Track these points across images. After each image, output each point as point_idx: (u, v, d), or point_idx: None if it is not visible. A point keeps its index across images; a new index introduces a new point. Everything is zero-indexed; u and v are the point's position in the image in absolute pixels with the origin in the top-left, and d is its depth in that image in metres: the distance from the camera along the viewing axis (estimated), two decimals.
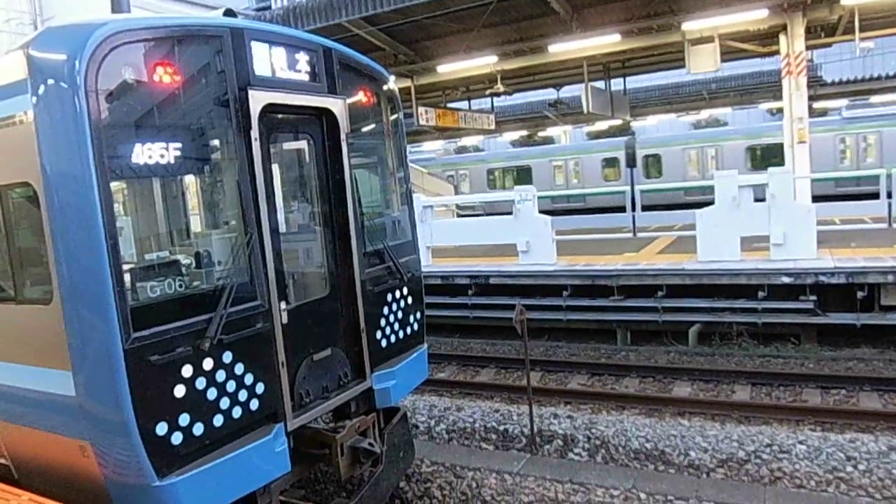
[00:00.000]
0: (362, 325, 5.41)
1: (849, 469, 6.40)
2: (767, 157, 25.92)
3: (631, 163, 28.13)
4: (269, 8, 22.33)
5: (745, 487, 6.32)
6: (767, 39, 17.79)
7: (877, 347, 11.06)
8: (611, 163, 30.44)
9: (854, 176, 22.04)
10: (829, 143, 25.66)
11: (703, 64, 16.16)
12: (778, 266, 11.36)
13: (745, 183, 12.10)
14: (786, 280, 11.19)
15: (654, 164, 29.68)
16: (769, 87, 28.73)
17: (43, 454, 4.34)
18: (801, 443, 6.99)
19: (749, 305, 11.46)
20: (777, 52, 17.07)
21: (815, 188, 15.89)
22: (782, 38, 15.95)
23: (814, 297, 11.08)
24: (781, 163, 15.81)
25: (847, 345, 11.22)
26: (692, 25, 15.72)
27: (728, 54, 17.39)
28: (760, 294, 11.38)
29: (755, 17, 15.25)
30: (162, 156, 4.00)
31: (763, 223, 11.70)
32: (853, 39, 15.81)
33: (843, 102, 32.14)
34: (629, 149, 29.71)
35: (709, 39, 15.74)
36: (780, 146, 16.03)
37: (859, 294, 10.79)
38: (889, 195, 13.47)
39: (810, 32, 16.68)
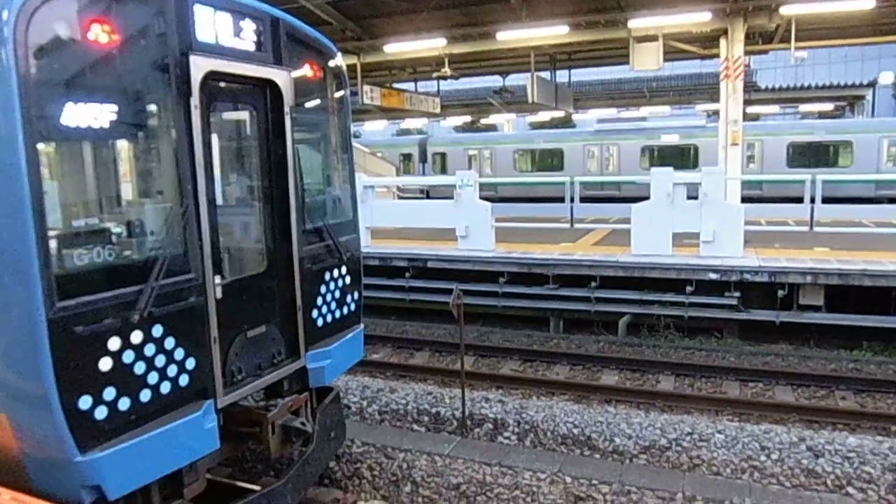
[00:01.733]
0: (299, 302, 5.32)
1: (762, 458, 6.71)
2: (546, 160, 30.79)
3: (423, 158, 33.75)
4: None
5: (666, 473, 6.55)
6: (709, 42, 18.35)
7: (793, 344, 11.63)
8: (408, 157, 35.11)
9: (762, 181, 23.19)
10: (579, 152, 29.85)
11: (647, 62, 16.55)
12: (706, 262, 11.77)
13: (680, 180, 12.45)
14: (713, 276, 11.61)
15: (440, 161, 33.95)
16: (706, 88, 29.66)
17: None
18: (719, 432, 7.28)
19: (677, 299, 11.85)
20: (717, 55, 17.62)
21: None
22: (723, 41, 16.48)
23: (738, 294, 11.54)
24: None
25: (766, 340, 11.75)
26: (638, 23, 16.06)
27: (670, 54, 17.85)
28: (688, 289, 11.78)
29: (699, 20, 15.71)
30: (95, 118, 3.81)
31: (695, 220, 12.09)
32: (789, 48, 16.45)
33: (774, 108, 33.52)
34: (421, 147, 34.95)
35: (653, 38, 16.12)
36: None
37: (780, 293, 11.31)
38: (812, 200, 14.08)
39: (749, 38, 17.27)
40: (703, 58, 19.98)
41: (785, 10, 15.35)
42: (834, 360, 10.63)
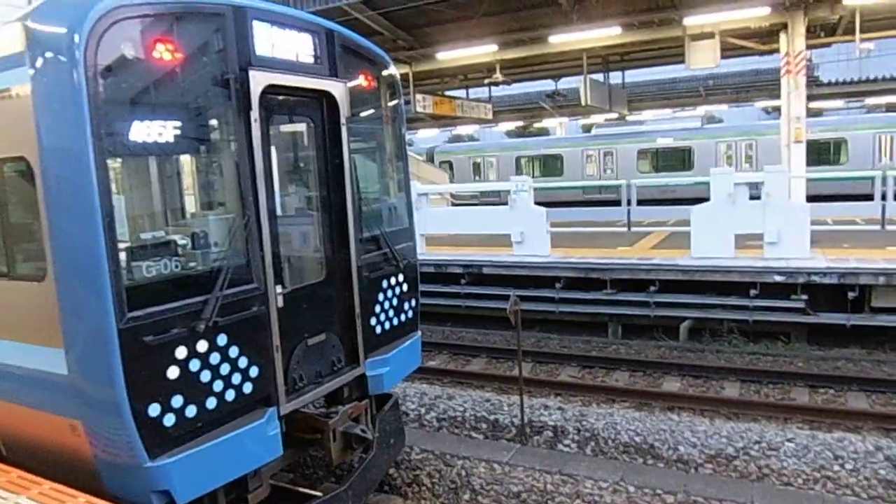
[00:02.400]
0: (357, 310, 5.38)
1: (836, 468, 6.45)
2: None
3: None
4: None
5: (733, 483, 6.35)
6: (767, 37, 17.80)
7: (865, 348, 11.13)
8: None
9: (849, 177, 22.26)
10: (578, 157, 30.73)
11: (703, 59, 16.18)
12: (771, 264, 11.39)
13: (742, 180, 12.10)
14: (778, 279, 11.23)
15: (447, 169, 33.82)
16: (765, 85, 28.79)
17: (33, 432, 4.30)
18: (789, 440, 7.04)
19: (740, 303, 11.50)
20: (776, 51, 17.09)
21: None
22: (783, 36, 15.97)
23: (805, 297, 11.12)
24: None
25: (836, 345, 11.28)
26: (694, 21, 15.71)
27: (727, 51, 17.40)
28: (752, 292, 11.41)
29: (757, 14, 15.27)
30: (160, 134, 3.94)
31: (758, 221, 11.72)
32: (853, 40, 15.83)
33: (839, 104, 32.30)
34: (429, 155, 35.16)
35: (709, 35, 15.74)
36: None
37: (850, 294, 10.84)
38: (883, 197, 13.48)
39: (810, 32, 16.69)
40: (761, 53, 19.39)
41: (848, 1, 14.78)
42: None
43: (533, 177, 29.82)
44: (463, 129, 42.88)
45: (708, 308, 11.77)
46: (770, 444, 6.96)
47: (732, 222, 11.92)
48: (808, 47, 17.45)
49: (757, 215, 11.73)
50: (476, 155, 35.04)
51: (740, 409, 8.90)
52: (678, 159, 28.13)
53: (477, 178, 34.08)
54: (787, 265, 11.24)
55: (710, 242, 12.06)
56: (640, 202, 19.26)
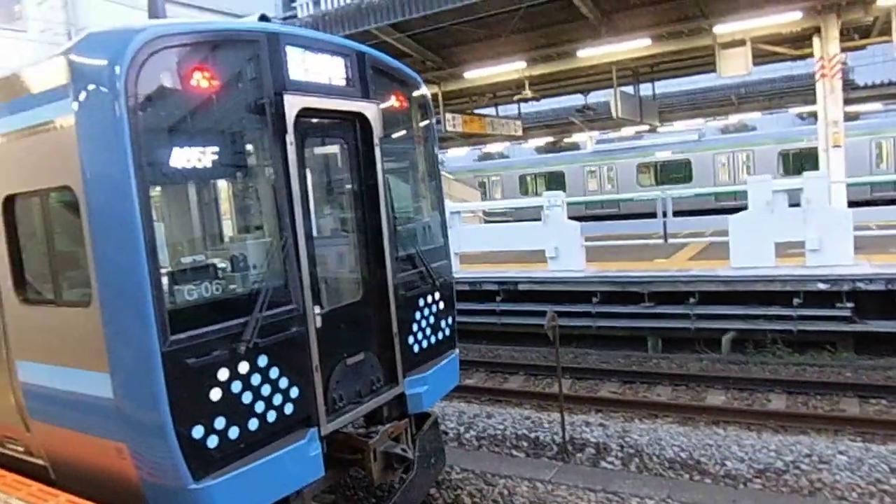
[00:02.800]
0: (395, 329, 5.38)
1: (893, 481, 6.23)
2: None
3: None
4: (295, 16, 22.54)
5: (785, 499, 6.19)
6: (800, 42, 17.52)
7: None
8: None
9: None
10: (579, 173, 31.60)
11: (735, 67, 15.97)
12: (814, 272, 11.12)
13: (780, 188, 11.87)
14: (822, 287, 10.95)
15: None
16: (799, 90, 28.30)
17: (80, 455, 4.37)
18: (841, 453, 6.82)
19: (784, 312, 11.24)
20: (809, 55, 16.80)
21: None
22: (816, 40, 15.69)
23: (851, 304, 10.82)
24: None
25: (886, 353, 10.92)
26: (724, 29, 15.54)
27: (759, 58, 17.14)
28: (795, 301, 11.15)
29: (788, 20, 15.05)
30: (199, 160, 4.02)
31: (798, 228, 11.47)
32: (889, 41, 15.49)
33: (876, 106, 31.57)
34: None
35: (740, 43, 15.54)
36: None
37: None
38: None
39: (844, 34, 16.38)
40: (794, 59, 19.08)
41: (882, 2, 14.48)
42: None
43: (537, 193, 30.21)
44: (493, 147, 42.96)
45: (750, 319, 11.54)
46: (821, 457, 6.75)
47: (772, 230, 11.67)
48: (843, 50, 17.11)
49: (797, 222, 11.47)
50: (480, 174, 35.57)
51: (788, 421, 8.67)
52: (677, 172, 28.73)
53: (450, 198, 34.50)
54: (831, 272, 10.96)
55: (750, 251, 11.82)
56: (642, 216, 19.34)
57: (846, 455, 6.76)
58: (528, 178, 33.38)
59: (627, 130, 32.94)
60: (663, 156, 29.69)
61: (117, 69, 3.62)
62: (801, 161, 25.17)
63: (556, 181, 31.94)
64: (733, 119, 35.04)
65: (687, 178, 28.33)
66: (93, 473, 4.28)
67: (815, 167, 23.17)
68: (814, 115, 20.59)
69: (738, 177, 26.74)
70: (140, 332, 3.65)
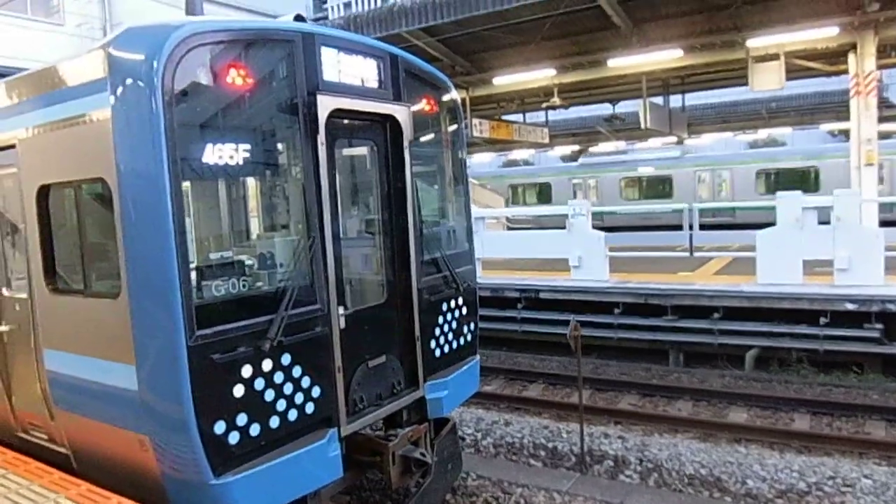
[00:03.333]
0: (417, 333, 5.37)
1: None
2: None
3: None
4: (326, 18, 22.70)
5: None
6: (835, 58, 17.27)
7: None
8: None
9: None
10: (566, 185, 32.33)
11: (767, 82, 15.78)
12: (842, 291, 10.92)
13: (810, 205, 11.69)
14: (850, 307, 10.75)
15: None
16: (832, 107, 27.93)
17: (102, 446, 4.41)
18: (866, 477, 6.69)
19: (810, 331, 11.02)
20: (844, 72, 16.56)
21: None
22: (851, 56, 15.45)
23: (880, 326, 10.59)
24: None
25: None
26: (757, 42, 15.36)
27: (792, 72, 16.93)
28: (822, 320, 10.94)
29: (824, 35, 14.84)
30: (231, 157, 4.05)
31: (827, 246, 11.27)
32: None
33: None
34: None
35: (774, 57, 15.35)
36: None
37: None
38: None
39: (881, 52, 16.12)
40: (828, 75, 18.83)
41: None
42: None
43: (526, 203, 30.45)
44: (518, 154, 42.89)
45: (775, 336, 11.34)
46: (845, 479, 6.62)
47: (800, 247, 11.49)
48: (879, 68, 16.84)
49: (826, 240, 11.28)
50: (478, 181, 35.49)
51: (812, 442, 8.49)
52: (659, 187, 29.53)
53: (475, 203, 34.91)
54: (860, 292, 10.75)
55: (777, 268, 11.64)
56: (619, 228, 19.47)
57: (871, 479, 6.63)
58: (519, 189, 34.37)
59: (606, 146, 34.35)
60: (646, 171, 30.73)
61: (155, 64, 3.66)
62: (777, 180, 26.48)
63: (543, 192, 33.09)
64: (762, 133, 34.66)
65: (668, 193, 29.15)
66: (114, 464, 4.32)
67: (789, 187, 23.90)
68: (844, 132, 20.30)
69: (717, 194, 28.01)
70: (167, 326, 3.68)
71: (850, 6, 14.65)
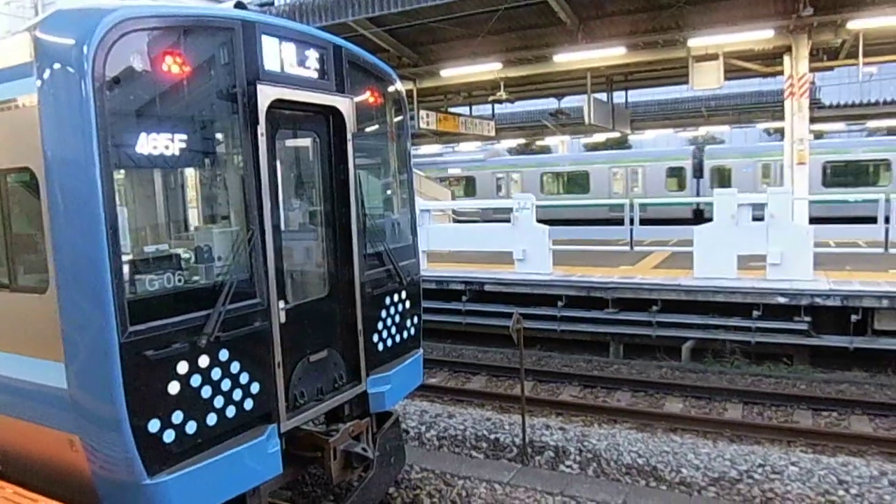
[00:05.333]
0: (360, 327, 5.33)
1: (840, 493, 6.37)
2: None
3: None
4: (272, 3, 22.24)
5: None
6: (771, 60, 17.88)
7: (869, 371, 11.05)
8: None
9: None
10: (489, 179, 33.60)
11: (707, 81, 16.22)
12: (774, 286, 11.35)
13: (745, 201, 12.09)
14: (781, 300, 11.18)
15: None
16: (768, 106, 28.94)
17: (30, 447, 4.25)
18: (793, 464, 6.96)
19: (743, 324, 11.45)
20: (779, 73, 17.15)
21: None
22: (786, 59, 16.02)
23: (808, 319, 11.07)
24: None
25: (839, 367, 11.20)
26: (698, 42, 15.77)
27: (731, 72, 17.46)
28: (755, 313, 11.36)
29: (761, 37, 15.34)
30: (167, 146, 3.93)
31: (761, 242, 11.69)
32: (856, 64, 15.90)
33: (840, 126, 32.43)
34: None
35: (713, 57, 15.79)
36: None
37: (853, 317, 10.79)
38: (887, 220, 13.47)
39: (814, 55, 16.75)
40: (764, 75, 19.48)
41: (852, 25, 14.84)
42: None
43: (454, 197, 31.32)
44: (466, 146, 43.06)
45: (710, 329, 11.72)
46: (774, 467, 6.88)
47: (735, 243, 11.89)
48: (811, 70, 17.50)
49: (760, 236, 11.70)
50: (422, 174, 36.37)
51: (743, 431, 8.83)
52: (577, 183, 31.37)
53: (422, 196, 35.87)
54: (791, 287, 11.20)
55: (713, 263, 12.03)
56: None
57: (798, 466, 6.90)
58: (450, 181, 35.24)
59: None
60: (566, 167, 32.67)
61: (85, 49, 3.51)
62: (683, 175, 28.96)
63: (469, 185, 34.27)
64: (702, 131, 35.76)
65: (586, 188, 30.87)
66: (42, 466, 4.16)
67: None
68: (780, 130, 21.17)
69: (631, 189, 29.54)
70: (98, 322, 3.55)
71: (786, 10, 15.18)
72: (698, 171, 28.73)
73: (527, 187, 31.90)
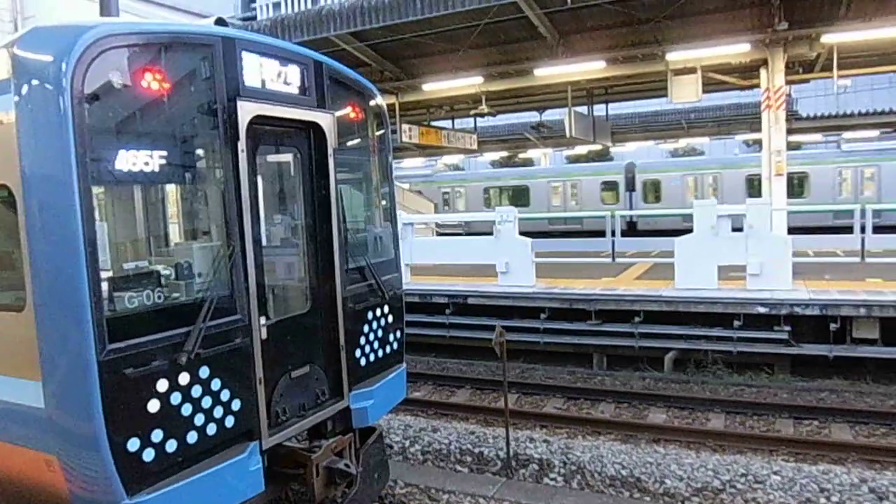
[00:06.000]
0: (342, 342, 5.32)
1: (822, 501, 6.42)
2: None
3: None
4: (254, 18, 22.27)
5: None
6: (748, 73, 18.15)
7: (848, 379, 11.18)
8: None
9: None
10: (435, 194, 34.78)
11: (685, 94, 16.44)
12: (754, 296, 11.46)
13: (725, 212, 12.22)
14: (761, 310, 11.29)
15: None
16: (746, 118, 29.35)
17: (6, 467, 4.18)
18: (775, 473, 7.00)
19: (724, 334, 11.54)
20: (757, 86, 17.41)
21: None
22: (763, 72, 16.28)
23: (788, 328, 11.18)
24: None
25: (819, 376, 11.32)
26: (676, 56, 15.98)
27: (709, 85, 17.70)
28: (736, 323, 11.46)
29: (738, 51, 15.57)
30: (146, 163, 3.91)
31: (740, 253, 11.82)
32: (831, 76, 16.18)
33: (817, 137, 32.95)
34: None
35: (691, 70, 16.01)
36: None
37: (832, 326, 10.91)
38: (862, 230, 13.67)
39: (790, 68, 17.04)
40: (742, 88, 19.77)
41: (826, 39, 15.13)
42: (893, 396, 10.18)
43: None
44: (449, 160, 43.30)
45: (692, 339, 11.80)
46: (756, 476, 6.92)
47: (715, 254, 12.01)
48: (788, 83, 17.80)
49: (739, 247, 11.83)
50: (405, 187, 37.23)
51: (726, 441, 8.87)
52: (519, 197, 32.76)
53: (404, 209, 36.97)
54: (770, 297, 11.32)
55: (694, 274, 12.14)
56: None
57: (780, 475, 6.94)
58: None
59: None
60: (508, 181, 34.24)
61: (64, 66, 3.50)
62: (617, 189, 30.53)
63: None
64: (682, 143, 36.16)
65: (527, 201, 32.23)
66: (19, 486, 4.10)
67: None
68: (759, 142, 21.49)
69: (568, 202, 31.48)
70: (76, 340, 3.51)
71: (762, 25, 15.45)
72: (631, 185, 30.31)
73: (471, 201, 33.45)
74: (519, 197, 32.52)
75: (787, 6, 14.82)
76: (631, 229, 26.39)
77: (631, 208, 29.26)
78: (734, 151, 36.45)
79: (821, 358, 11.16)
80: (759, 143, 23.17)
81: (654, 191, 29.52)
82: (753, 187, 26.50)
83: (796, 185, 26.19)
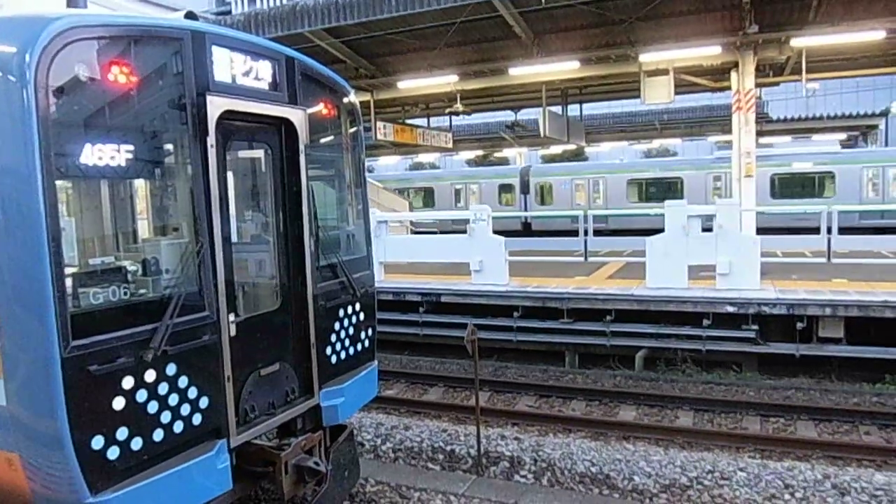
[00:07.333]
0: (312, 340, 5.29)
1: (786, 496, 6.54)
2: None
3: None
4: (229, 13, 22.02)
5: None
6: (719, 75, 18.41)
7: (814, 377, 11.41)
8: None
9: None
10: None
11: (658, 95, 16.63)
12: (723, 295, 11.64)
13: (695, 213, 12.38)
14: (730, 309, 11.47)
15: None
16: (718, 120, 29.81)
17: None
18: (741, 470, 7.11)
19: (694, 332, 11.70)
20: (728, 88, 17.67)
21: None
22: (734, 74, 16.53)
23: (756, 327, 11.37)
24: None
25: (786, 374, 11.54)
26: (649, 57, 16.17)
27: (681, 87, 17.93)
28: (705, 322, 11.63)
29: (709, 53, 15.80)
30: (112, 157, 3.85)
31: (710, 253, 11.98)
32: (800, 80, 16.48)
33: (786, 139, 33.54)
34: None
35: (664, 72, 16.20)
36: None
37: (799, 325, 11.13)
38: (829, 231, 13.95)
39: (760, 71, 17.33)
40: (714, 90, 20.06)
41: (795, 43, 15.42)
42: (856, 394, 10.42)
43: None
44: (424, 158, 43.28)
45: (663, 338, 11.95)
46: (723, 473, 7.03)
47: (686, 253, 12.16)
48: (758, 85, 18.10)
49: (709, 247, 11.99)
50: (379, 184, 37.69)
51: (694, 438, 9.00)
52: (428, 197, 34.98)
53: (378, 207, 37.58)
54: (739, 296, 11.50)
55: (665, 273, 12.28)
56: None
57: (746, 471, 7.06)
58: None
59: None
60: (417, 183, 36.15)
61: (27, 57, 3.43)
62: (513, 191, 32.59)
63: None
64: (656, 143, 36.58)
65: (432, 202, 34.72)
66: None
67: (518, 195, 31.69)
68: (730, 143, 21.89)
69: (470, 201, 32.83)
70: (39, 336, 3.45)
71: (733, 28, 15.69)
72: (525, 188, 32.15)
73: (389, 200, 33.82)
74: (428, 198, 34.94)
75: (758, 10, 15.07)
76: (526, 230, 28.82)
77: (525, 210, 31.03)
78: (707, 153, 36.92)
79: (788, 356, 11.37)
80: (730, 143, 23.60)
81: (546, 194, 31.68)
82: (636, 191, 29.19)
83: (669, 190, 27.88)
